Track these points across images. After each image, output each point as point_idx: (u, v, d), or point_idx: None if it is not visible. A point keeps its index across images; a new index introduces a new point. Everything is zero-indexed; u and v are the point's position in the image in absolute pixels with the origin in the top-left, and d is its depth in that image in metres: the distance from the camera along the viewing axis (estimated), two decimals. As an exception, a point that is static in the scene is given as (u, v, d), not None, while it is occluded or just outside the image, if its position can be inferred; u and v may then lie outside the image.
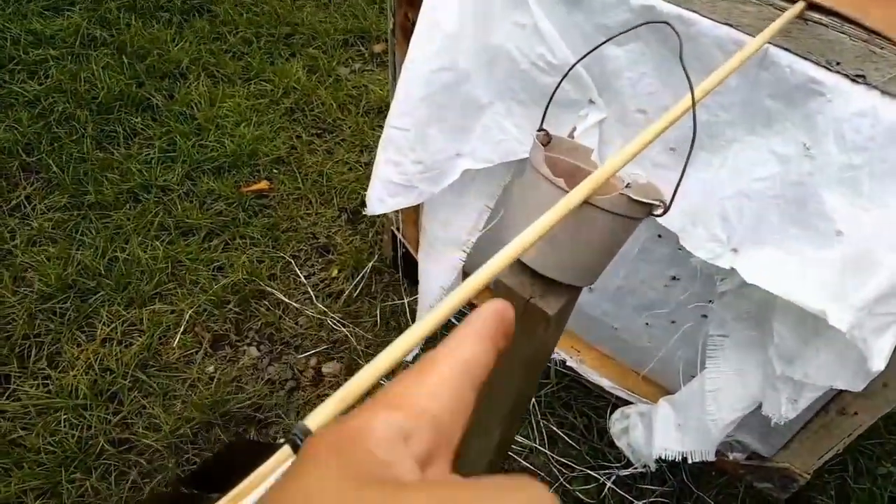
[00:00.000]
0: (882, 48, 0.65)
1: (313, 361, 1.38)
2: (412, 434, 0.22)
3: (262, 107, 1.82)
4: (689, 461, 1.04)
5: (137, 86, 1.85)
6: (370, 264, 1.50)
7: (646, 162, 0.88)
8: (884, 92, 0.68)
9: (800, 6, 0.66)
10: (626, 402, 1.27)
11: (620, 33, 0.70)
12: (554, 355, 1.33)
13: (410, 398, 0.23)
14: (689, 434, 1.05)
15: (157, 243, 1.50)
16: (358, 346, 1.37)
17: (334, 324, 1.40)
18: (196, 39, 1.97)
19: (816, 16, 0.67)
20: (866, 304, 0.67)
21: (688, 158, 0.58)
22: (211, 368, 1.37)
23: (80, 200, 1.58)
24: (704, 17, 0.73)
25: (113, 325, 1.40)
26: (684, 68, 0.52)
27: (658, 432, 1.08)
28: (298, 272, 1.49)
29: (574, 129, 0.92)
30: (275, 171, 1.69)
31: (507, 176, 1.07)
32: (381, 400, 0.23)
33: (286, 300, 1.44)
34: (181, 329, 1.39)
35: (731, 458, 1.17)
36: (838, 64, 0.68)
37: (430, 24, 0.86)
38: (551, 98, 0.69)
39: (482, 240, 1.14)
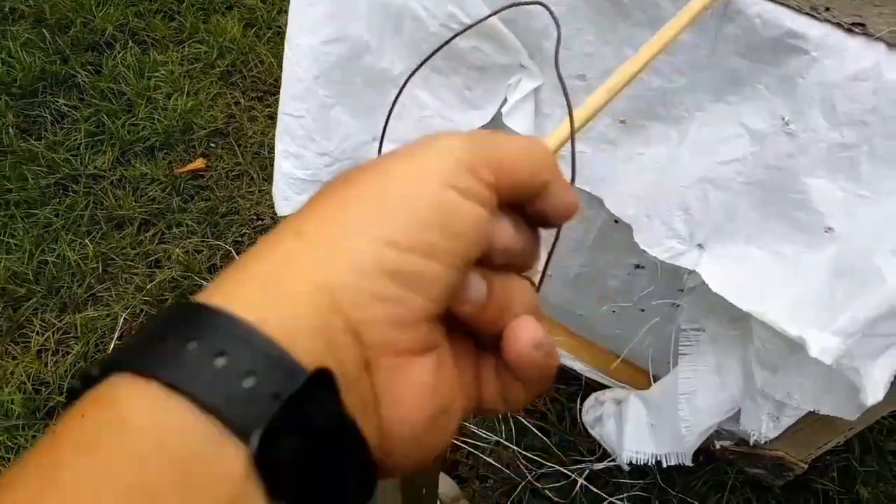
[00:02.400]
0: (883, -15, 0.47)
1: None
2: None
3: (196, 72, 1.64)
4: (665, 464, 0.91)
5: (62, 62, 1.67)
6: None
7: (592, 136, 0.71)
8: (891, 45, 0.50)
9: (767, -67, 0.48)
10: (603, 386, 1.13)
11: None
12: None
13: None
14: (664, 435, 0.91)
15: (87, 241, 1.36)
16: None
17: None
18: (123, 2, 1.77)
19: (791, -55, 0.49)
20: (860, 325, 0.52)
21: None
22: (152, 377, 1.24)
23: (5, 199, 1.44)
24: (644, -46, 0.55)
25: (46, 334, 1.28)
26: (559, 72, 0.36)
27: (628, 432, 0.94)
28: (241, 262, 1.34)
29: (504, 100, 0.76)
30: (212, 145, 1.53)
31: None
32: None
33: (228, 296, 1.30)
34: (116, 334, 1.26)
35: (718, 446, 1.03)
36: (827, 10, 0.50)
37: (309, -16, 0.68)
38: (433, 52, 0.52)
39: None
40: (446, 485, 0.97)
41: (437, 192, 0.24)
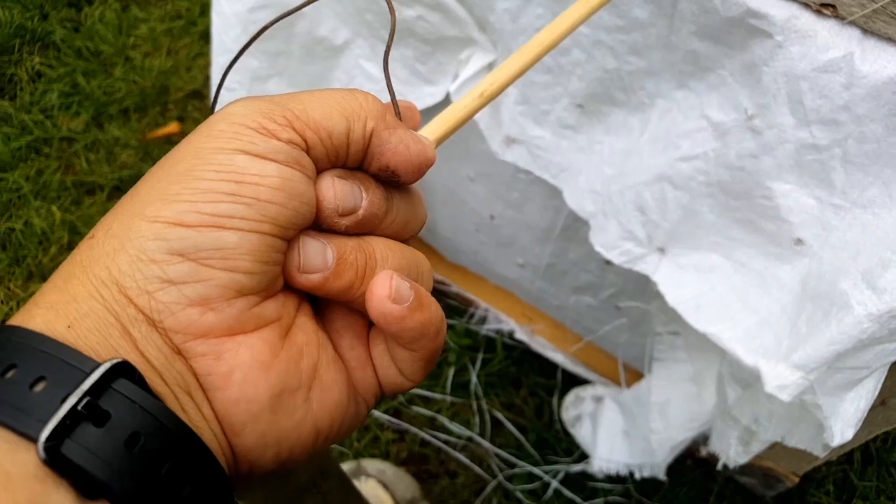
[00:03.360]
0: (862, -42, 0.39)
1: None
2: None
3: (177, 30, 1.57)
4: (637, 476, 0.85)
5: (42, 18, 1.60)
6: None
7: (550, 120, 0.63)
8: (866, 31, 0.42)
9: None
10: (585, 381, 1.07)
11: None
12: (501, 325, 1.13)
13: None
14: (637, 444, 0.85)
15: (55, 207, 1.31)
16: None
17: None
18: (106, -47, 1.69)
19: None
20: (822, 360, 0.45)
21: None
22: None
23: (-25, 160, 1.39)
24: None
25: (11, 303, 1.24)
26: (386, 68, 0.29)
27: (602, 438, 0.89)
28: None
29: (456, 76, 0.68)
30: (189, 108, 1.46)
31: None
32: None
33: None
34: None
35: (703, 453, 0.97)
36: (793, -15, 0.42)
37: (229, -56, 0.60)
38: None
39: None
40: (403, 483, 0.93)
41: (222, 160, 0.23)
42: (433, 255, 1.14)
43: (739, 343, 0.49)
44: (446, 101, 0.68)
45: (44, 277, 1.25)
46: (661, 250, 0.58)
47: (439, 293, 1.17)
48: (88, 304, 0.22)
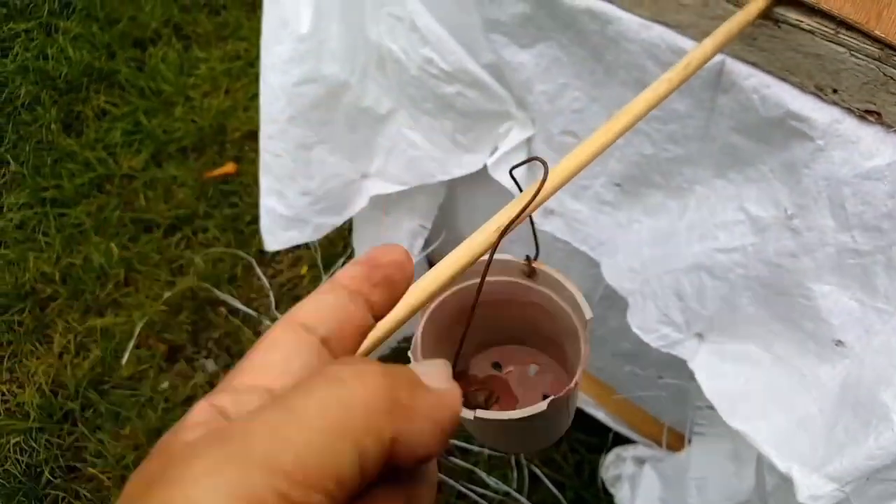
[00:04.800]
0: (906, 70, 0.38)
1: (273, 380, 1.23)
2: (229, 412, 0.19)
3: (236, 70, 1.62)
4: (676, 549, 0.83)
5: (109, 57, 1.67)
6: (341, 261, 1.31)
7: (589, 195, 0.63)
8: (911, 139, 0.40)
9: (763, 0, 0.39)
10: (627, 441, 1.05)
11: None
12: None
13: (232, 380, 0.20)
14: (677, 515, 0.83)
15: (114, 244, 1.36)
16: (318, 365, 1.20)
17: (292, 339, 1.23)
18: (172, -6, 1.77)
19: (793, 16, 0.40)
20: (859, 473, 0.43)
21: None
22: (165, 385, 1.24)
23: (41, 196, 1.46)
24: (626, 10, 0.46)
25: (69, 336, 1.29)
26: None
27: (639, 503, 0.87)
28: (261, 274, 1.32)
29: (496, 149, 0.68)
30: (245, 148, 1.50)
31: (442, 190, 0.84)
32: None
33: (244, 308, 1.27)
34: (133, 342, 1.27)
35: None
36: (835, 92, 0.41)
37: (276, 22, 0.62)
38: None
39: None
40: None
41: None
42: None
43: (773, 446, 0.47)
44: (476, 177, 0.69)
45: (100, 313, 1.30)
46: (700, 336, 0.57)
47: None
48: None
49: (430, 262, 1.09)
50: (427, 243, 0.90)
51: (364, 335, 0.22)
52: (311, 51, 0.63)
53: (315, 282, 1.30)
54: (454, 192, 0.86)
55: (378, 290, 0.22)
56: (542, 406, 0.35)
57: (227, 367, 1.25)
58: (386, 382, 0.18)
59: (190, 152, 1.50)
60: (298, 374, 0.20)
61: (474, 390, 0.43)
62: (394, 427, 0.18)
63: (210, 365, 1.26)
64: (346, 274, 0.22)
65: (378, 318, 0.22)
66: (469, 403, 0.40)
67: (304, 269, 1.32)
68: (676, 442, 0.93)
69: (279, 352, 0.20)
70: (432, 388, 0.20)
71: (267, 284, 1.30)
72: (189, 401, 1.22)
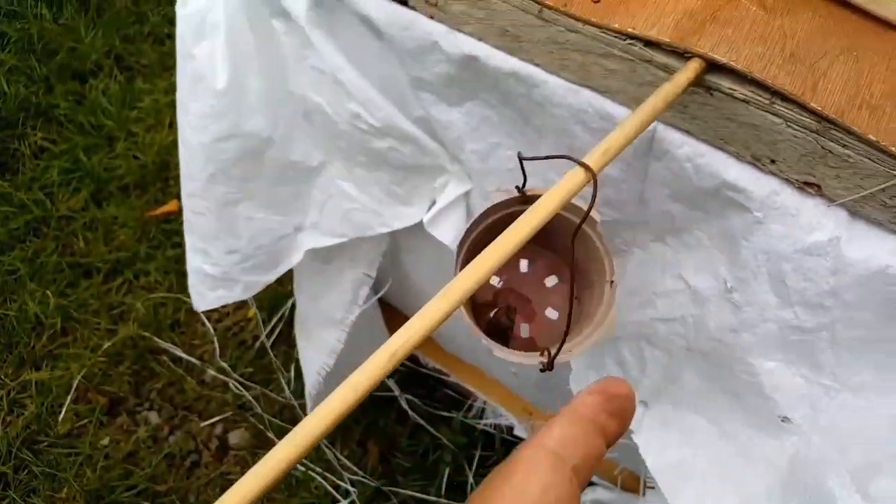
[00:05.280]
0: (845, 146, 0.35)
1: (219, 430, 1.18)
2: None
3: (179, 106, 1.57)
4: None
5: (46, 91, 1.61)
6: (290, 302, 1.26)
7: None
8: (854, 214, 0.38)
9: (694, 67, 0.36)
10: (589, 484, 1.02)
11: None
12: (500, 420, 1.09)
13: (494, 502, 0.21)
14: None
15: (50, 291, 1.30)
16: (265, 414, 1.15)
17: (236, 387, 1.18)
18: (114, 24, 1.71)
19: (726, 84, 0.37)
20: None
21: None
22: (105, 441, 1.18)
23: (-26, 241, 1.39)
24: (552, 74, 0.43)
25: (1, 393, 1.22)
26: None
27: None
28: (205, 319, 1.26)
29: (434, 202, 0.65)
30: (189, 187, 1.45)
31: (385, 237, 0.80)
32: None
33: (185, 356, 1.22)
34: (70, 396, 1.20)
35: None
36: (773, 162, 0.39)
37: (190, 78, 0.58)
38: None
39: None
40: None
41: None
42: (431, 343, 1.10)
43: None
44: (420, 226, 0.65)
45: (35, 366, 1.23)
46: (644, 404, 0.54)
47: (437, 382, 1.13)
48: None
49: (383, 306, 1.05)
50: (378, 284, 0.86)
51: (600, 464, 0.24)
52: (229, 106, 0.59)
53: (261, 326, 1.25)
54: (397, 240, 0.83)
55: (613, 420, 0.24)
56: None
57: (171, 419, 1.19)
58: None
59: (132, 190, 1.44)
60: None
61: (495, 316, 0.47)
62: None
63: (153, 417, 1.20)
64: (584, 404, 0.24)
65: (608, 446, 0.24)
66: (493, 326, 0.45)
67: (250, 312, 1.27)
68: (635, 484, 0.91)
69: (538, 479, 0.21)
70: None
71: (211, 330, 1.24)
72: (131, 456, 1.16)
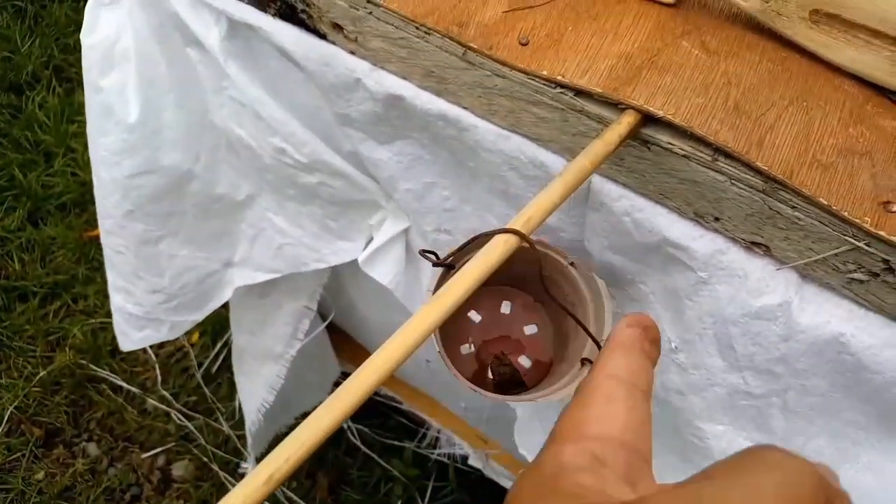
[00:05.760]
0: (794, 207, 0.32)
1: (161, 461, 1.12)
2: (605, 459, 0.20)
3: (122, 118, 1.50)
4: None
5: (-20, 103, 1.53)
6: (236, 327, 1.20)
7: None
8: (805, 277, 0.35)
9: (628, 121, 0.33)
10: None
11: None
12: (454, 449, 1.05)
13: (585, 428, 0.22)
14: None
15: (-19, 315, 1.23)
16: (209, 445, 1.10)
17: (179, 417, 1.12)
18: (52, 33, 1.63)
19: (664, 138, 0.34)
20: None
21: None
22: (40, 475, 1.11)
23: None
24: (481, 118, 0.40)
25: (-70, 422, 1.15)
26: None
27: None
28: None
29: (371, 239, 0.61)
30: (131, 204, 1.39)
31: (325, 271, 0.76)
32: (557, 436, 0.22)
33: (125, 385, 1.16)
34: (2, 428, 1.13)
35: None
36: (717, 220, 0.35)
37: (98, 112, 0.54)
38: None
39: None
40: None
41: None
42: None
43: None
44: (354, 264, 0.61)
45: (-35, 396, 1.16)
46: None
47: (390, 409, 1.09)
48: None
49: (331, 331, 1.01)
50: (324, 310, 0.82)
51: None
52: (143, 140, 0.54)
53: (206, 350, 1.19)
54: (339, 270, 0.79)
55: (654, 347, 0.26)
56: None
57: (110, 451, 1.13)
58: (819, 480, 0.19)
59: (71, 209, 1.38)
60: (638, 428, 0.22)
61: (493, 372, 0.45)
62: None
63: (92, 448, 1.14)
64: (629, 336, 0.25)
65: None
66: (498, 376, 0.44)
67: (194, 337, 1.22)
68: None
69: (620, 405, 0.22)
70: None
71: (153, 357, 1.19)
72: (67, 491, 1.10)
